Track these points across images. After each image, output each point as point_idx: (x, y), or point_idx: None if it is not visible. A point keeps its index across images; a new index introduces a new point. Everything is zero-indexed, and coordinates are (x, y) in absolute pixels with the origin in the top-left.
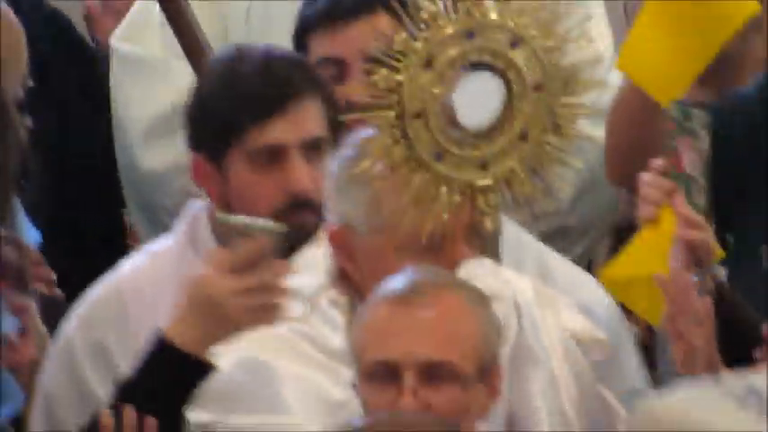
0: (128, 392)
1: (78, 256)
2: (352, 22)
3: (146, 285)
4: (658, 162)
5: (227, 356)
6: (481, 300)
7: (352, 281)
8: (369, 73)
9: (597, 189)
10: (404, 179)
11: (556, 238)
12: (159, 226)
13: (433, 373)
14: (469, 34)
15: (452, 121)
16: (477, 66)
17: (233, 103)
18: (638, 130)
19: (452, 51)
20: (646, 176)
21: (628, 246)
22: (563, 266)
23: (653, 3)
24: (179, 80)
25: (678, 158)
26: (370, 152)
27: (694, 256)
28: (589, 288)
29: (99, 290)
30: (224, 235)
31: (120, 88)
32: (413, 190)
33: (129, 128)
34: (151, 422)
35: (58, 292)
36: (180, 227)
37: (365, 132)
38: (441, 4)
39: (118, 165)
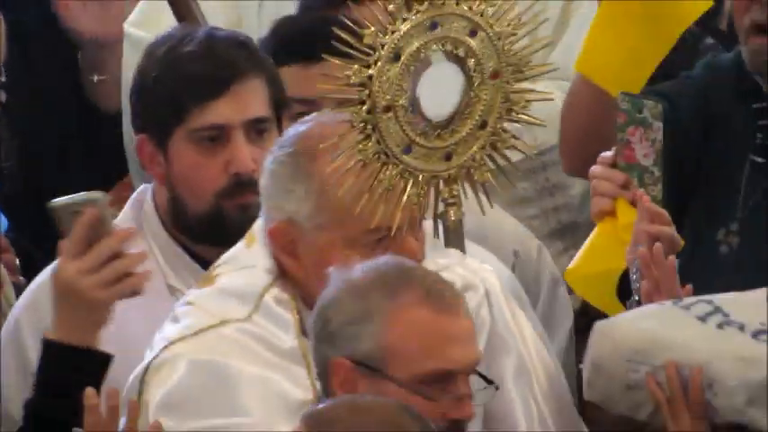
0: (38, 407)
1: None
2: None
3: None
4: (606, 154)
5: (177, 362)
6: None
7: (293, 278)
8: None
9: None
10: (371, 173)
11: (566, 233)
12: None
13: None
14: (433, 25)
15: (418, 113)
16: (443, 56)
17: (176, 84)
18: (592, 121)
19: (416, 43)
20: (596, 170)
21: (586, 242)
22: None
23: (606, 4)
24: None
25: (630, 150)
26: (343, 147)
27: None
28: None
29: (46, 273)
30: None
31: (130, 70)
32: (383, 184)
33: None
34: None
35: (21, 278)
36: (126, 209)
37: (300, 127)
38: None
39: (125, 146)
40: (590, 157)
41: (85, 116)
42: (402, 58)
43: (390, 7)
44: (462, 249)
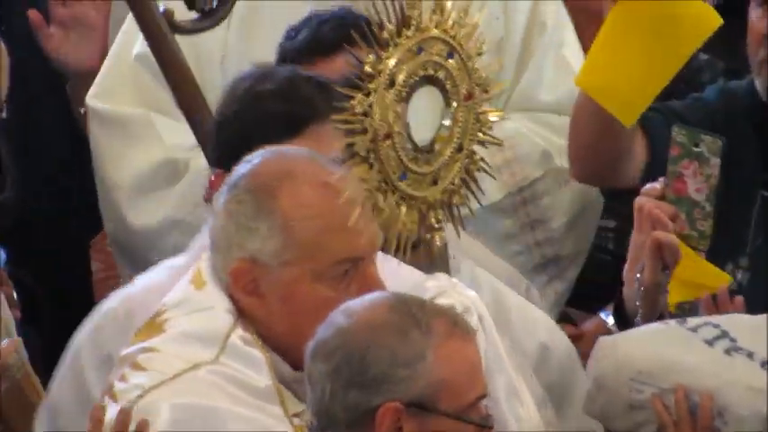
0: None
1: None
2: (332, 56)
3: (155, 299)
4: (653, 186)
5: (159, 408)
6: None
7: (255, 318)
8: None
9: (587, 216)
10: (368, 202)
11: (549, 266)
12: None
13: None
14: (419, 49)
15: (409, 138)
16: (427, 80)
17: (255, 121)
18: (598, 136)
19: (406, 68)
20: (643, 201)
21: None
22: (518, 303)
23: (613, 21)
24: (164, 134)
25: (682, 183)
26: (349, 180)
27: (662, 258)
28: (546, 327)
29: (112, 301)
30: None
31: (100, 148)
32: (383, 213)
33: (114, 187)
34: None
35: (17, 312)
36: (195, 244)
37: (246, 167)
38: (395, 22)
39: (104, 224)
40: (600, 166)
41: (78, 147)
42: (396, 84)
43: (384, 34)
44: (448, 273)
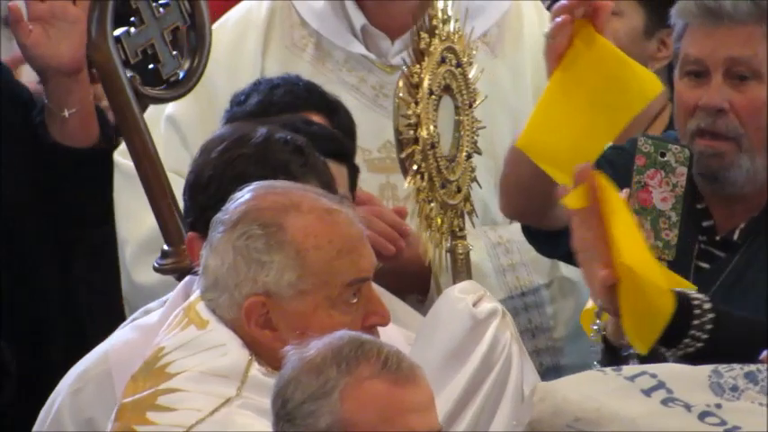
0: None
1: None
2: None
3: (133, 359)
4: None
5: None
6: None
7: (268, 351)
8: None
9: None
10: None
11: (548, 375)
12: None
13: None
14: (442, 59)
15: (441, 148)
16: (445, 89)
17: (229, 185)
18: (532, 177)
19: (436, 77)
20: None
21: None
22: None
23: (556, 84)
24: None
25: (647, 193)
26: (345, 204)
27: None
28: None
29: (89, 362)
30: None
31: (120, 202)
32: (429, 221)
33: (124, 242)
34: None
35: None
36: (168, 302)
37: (241, 205)
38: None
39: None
40: (530, 207)
41: (52, 160)
42: (433, 94)
43: (422, 44)
44: (470, 279)
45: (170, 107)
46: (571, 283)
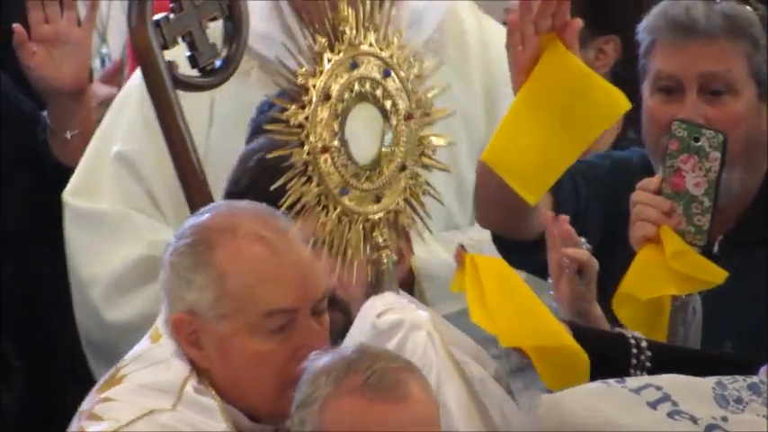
0: None
1: None
2: None
3: None
4: (651, 180)
5: None
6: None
7: (200, 369)
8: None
9: None
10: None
11: (526, 370)
12: None
13: None
14: (353, 64)
15: (348, 154)
16: (364, 96)
17: (268, 194)
18: (504, 189)
19: (340, 82)
20: (640, 196)
21: (630, 269)
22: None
23: (523, 98)
24: (144, 231)
25: (680, 177)
26: (293, 235)
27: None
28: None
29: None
30: None
31: (76, 244)
32: (326, 227)
33: (89, 283)
34: None
35: None
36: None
37: (197, 218)
38: (328, 36)
39: (77, 322)
40: (503, 218)
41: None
42: (331, 99)
43: (316, 48)
44: (397, 292)
45: (119, 145)
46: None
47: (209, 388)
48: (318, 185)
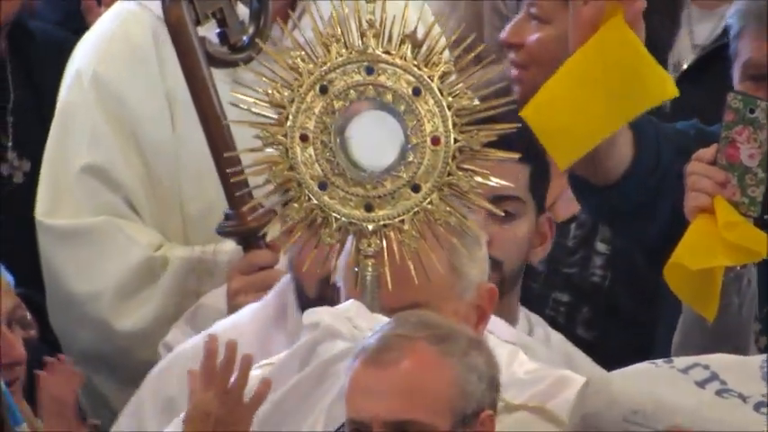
0: None
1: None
2: None
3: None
4: (706, 151)
5: None
6: (460, 350)
7: None
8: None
9: None
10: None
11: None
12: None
13: (402, 430)
14: (369, 69)
15: (346, 155)
16: (380, 105)
17: None
18: None
19: (345, 82)
20: (695, 166)
21: (683, 239)
22: (588, 367)
23: (575, 63)
24: (135, 235)
25: (734, 149)
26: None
27: None
28: None
29: (187, 342)
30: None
31: (61, 264)
32: (294, 215)
33: (89, 299)
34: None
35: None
36: (273, 291)
37: None
38: (341, 31)
39: (65, 341)
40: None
41: None
42: (329, 93)
43: (324, 39)
44: (375, 302)
45: (82, 158)
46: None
47: None
48: (291, 170)
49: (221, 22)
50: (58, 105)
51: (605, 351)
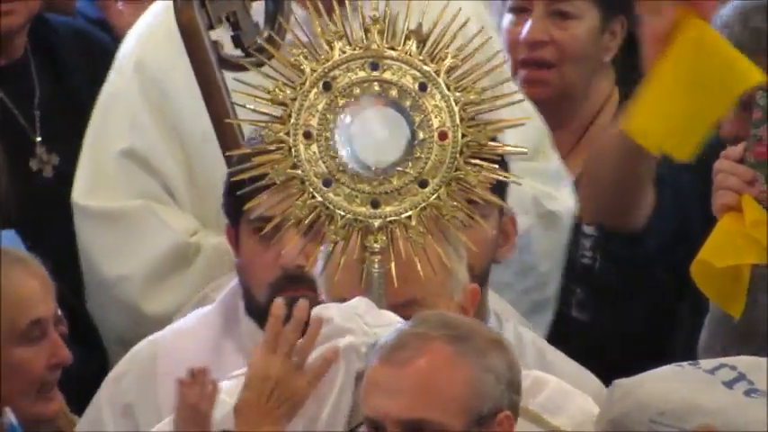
0: None
1: None
2: None
3: (184, 343)
4: (734, 149)
5: None
6: (476, 350)
7: None
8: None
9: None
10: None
11: (538, 310)
12: None
13: (415, 429)
14: (373, 65)
15: (351, 151)
16: (385, 100)
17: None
18: (621, 172)
19: (350, 79)
20: (723, 164)
21: (711, 237)
22: (561, 363)
23: (666, 69)
24: (170, 220)
25: (762, 146)
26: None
27: None
28: (590, 385)
29: (140, 345)
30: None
31: (95, 245)
32: (299, 213)
33: (119, 281)
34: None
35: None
36: (219, 299)
37: None
38: (347, 28)
39: (102, 323)
40: (615, 207)
41: None
42: (332, 90)
43: (327, 36)
44: (382, 299)
45: (123, 142)
46: (555, 216)
47: None
48: (295, 168)
49: (235, 26)
50: (102, 90)
51: (600, 331)
